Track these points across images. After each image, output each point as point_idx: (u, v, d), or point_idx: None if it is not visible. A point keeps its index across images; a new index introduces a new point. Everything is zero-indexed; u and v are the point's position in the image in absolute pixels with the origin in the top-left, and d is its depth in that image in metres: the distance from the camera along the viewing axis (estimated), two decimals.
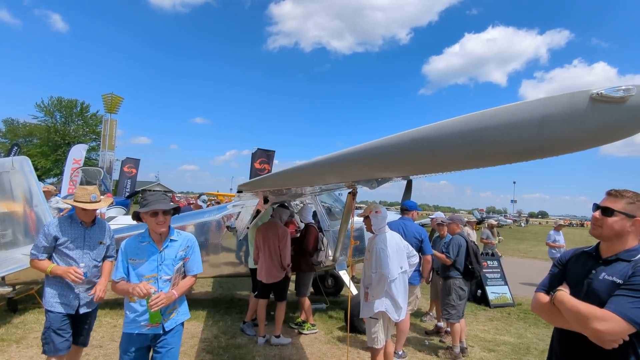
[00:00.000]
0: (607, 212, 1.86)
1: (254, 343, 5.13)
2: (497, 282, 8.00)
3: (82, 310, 3.23)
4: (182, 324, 2.94)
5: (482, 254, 8.39)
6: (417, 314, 6.71)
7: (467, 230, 6.58)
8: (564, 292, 1.91)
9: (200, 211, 7.54)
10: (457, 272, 5.08)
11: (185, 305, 2.98)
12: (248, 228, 5.63)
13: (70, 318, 3.22)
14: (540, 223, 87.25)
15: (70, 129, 45.83)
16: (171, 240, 2.84)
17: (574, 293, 1.89)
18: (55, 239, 3.13)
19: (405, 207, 5.16)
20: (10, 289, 5.95)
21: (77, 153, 17.57)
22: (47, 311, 3.18)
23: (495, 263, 8.36)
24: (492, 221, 11.53)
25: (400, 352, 4.80)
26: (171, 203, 2.83)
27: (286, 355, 4.79)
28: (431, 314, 6.60)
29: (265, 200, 3.36)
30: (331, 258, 6.02)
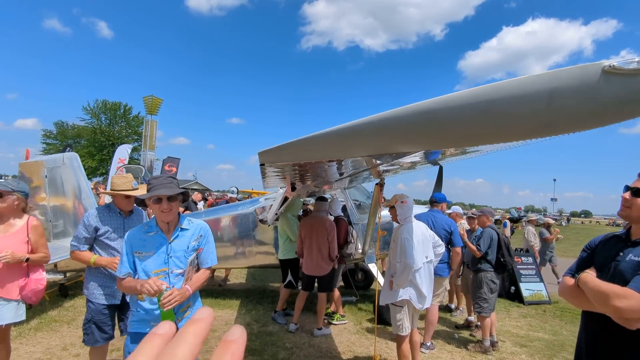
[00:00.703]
0: (637, 193, 1.84)
1: (284, 331, 5.29)
2: (532, 278, 7.73)
3: (129, 298, 3.12)
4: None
5: (516, 249, 8.16)
6: (447, 309, 6.65)
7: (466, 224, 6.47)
8: (588, 274, 1.90)
9: (234, 204, 7.80)
10: (488, 265, 5.00)
11: (199, 302, 2.69)
12: (276, 214, 5.79)
13: (114, 308, 3.23)
14: (582, 222, 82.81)
15: (114, 130, 48.25)
16: (182, 229, 2.51)
17: (600, 276, 1.88)
18: (96, 229, 3.06)
19: (435, 199, 5.14)
20: (62, 275, 6.44)
21: (123, 152, 18.52)
22: (89, 302, 3.18)
23: (530, 259, 8.09)
24: (549, 219, 10.72)
25: (428, 344, 4.80)
26: (178, 188, 2.47)
27: (315, 343, 4.91)
28: (461, 308, 6.51)
29: (293, 188, 3.47)
30: (360, 251, 6.09)
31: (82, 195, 6.11)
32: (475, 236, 5.34)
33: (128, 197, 3.19)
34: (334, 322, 5.68)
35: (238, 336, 0.35)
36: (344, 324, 5.70)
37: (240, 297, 6.86)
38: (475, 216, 5.60)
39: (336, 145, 1.42)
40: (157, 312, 2.35)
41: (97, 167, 44.43)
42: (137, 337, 2.45)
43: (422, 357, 4.60)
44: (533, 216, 11.35)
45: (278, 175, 2.47)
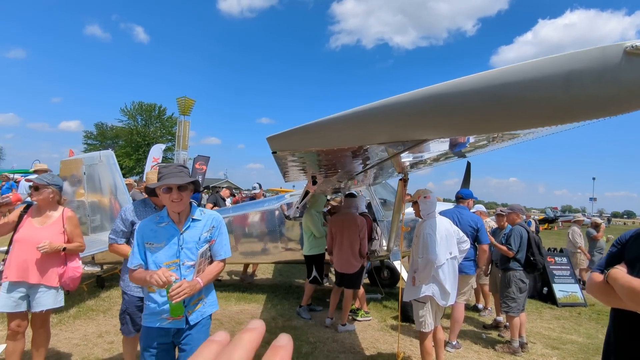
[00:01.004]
0: None
1: (309, 325, 5.35)
2: (566, 279, 7.40)
3: (141, 291, 3.15)
4: (210, 316, 2.53)
5: (549, 249, 7.84)
6: (475, 309, 6.50)
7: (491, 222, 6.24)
8: (617, 270, 1.82)
9: (260, 200, 7.93)
10: (517, 263, 4.84)
11: (213, 295, 2.58)
12: (298, 208, 5.84)
13: None
14: (625, 223, 78.14)
15: (149, 130, 50.11)
16: (193, 220, 2.44)
17: (631, 272, 1.79)
18: (132, 223, 3.05)
19: (461, 196, 5.03)
20: (99, 267, 6.76)
21: (157, 152, 19.32)
22: (124, 293, 3.26)
23: (564, 259, 7.73)
24: (597, 219, 10.13)
25: (454, 342, 4.71)
26: (189, 177, 2.40)
27: (339, 339, 4.92)
28: (489, 308, 6.34)
29: (314, 181, 3.49)
30: (385, 248, 6.05)
31: (117, 191, 6.38)
32: (504, 234, 5.19)
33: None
34: (358, 318, 5.67)
35: (286, 342, 0.37)
36: (368, 320, 5.68)
37: (267, 292, 6.98)
38: (504, 213, 5.43)
39: (346, 130, 1.42)
40: (168, 305, 2.25)
41: (134, 166, 46.23)
42: (150, 331, 2.36)
43: (447, 356, 4.53)
44: (580, 216, 10.70)
45: (296, 166, 2.47)
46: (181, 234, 2.37)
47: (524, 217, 5.22)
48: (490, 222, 6.18)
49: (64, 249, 3.24)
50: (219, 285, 7.23)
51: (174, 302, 2.13)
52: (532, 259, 4.78)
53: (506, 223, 5.43)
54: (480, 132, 1.47)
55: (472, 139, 2.62)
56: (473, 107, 1.27)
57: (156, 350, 2.34)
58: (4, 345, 1.60)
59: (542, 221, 38.21)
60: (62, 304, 3.40)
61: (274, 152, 1.67)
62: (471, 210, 6.26)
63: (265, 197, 9.13)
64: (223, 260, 2.56)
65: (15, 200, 3.40)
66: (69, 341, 4.40)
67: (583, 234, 9.35)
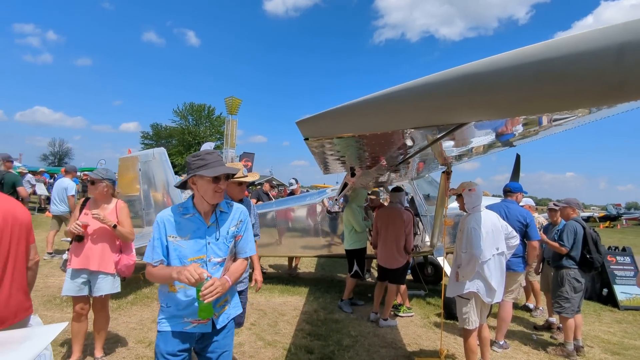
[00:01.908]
0: None
1: (350, 319, 5.35)
2: (630, 280, 6.78)
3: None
4: (234, 320, 2.32)
5: (609, 248, 7.26)
6: (525, 308, 6.18)
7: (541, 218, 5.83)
8: None
9: (303, 195, 8.03)
10: (571, 261, 4.52)
11: (236, 297, 2.37)
12: (336, 199, 5.84)
13: None
14: None
15: (199, 130, 52.38)
16: (221, 212, 2.21)
17: None
18: None
19: (509, 189, 4.79)
20: None
21: (207, 148, 20.25)
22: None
23: (628, 259, 7.08)
24: None
25: (501, 342, 4.51)
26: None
27: (380, 333, 4.89)
28: (541, 308, 5.99)
29: (352, 173, 3.47)
30: (428, 243, 5.90)
31: (169, 187, 6.73)
32: (558, 230, 4.88)
33: (240, 184, 3.16)
34: (400, 314, 5.60)
35: None
36: (411, 316, 5.59)
37: (309, 285, 7.07)
38: (557, 208, 5.08)
39: (378, 113, 1.38)
40: (194, 305, 2.05)
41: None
42: (168, 337, 2.10)
43: (494, 356, 4.35)
44: None
45: (331, 155, 2.44)
46: (208, 227, 2.15)
47: (580, 212, 4.85)
48: (540, 218, 5.82)
49: (115, 226, 3.47)
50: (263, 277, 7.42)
51: (206, 301, 1.90)
52: (588, 256, 4.45)
53: (560, 218, 5.09)
54: (521, 113, 1.38)
55: (520, 129, 2.49)
56: (513, 87, 1.19)
57: (176, 358, 2.09)
58: (66, 323, 1.74)
59: (603, 218, 35.52)
60: (119, 289, 3.67)
61: (305, 139, 1.66)
62: (520, 204, 5.94)
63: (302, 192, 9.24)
64: (247, 259, 2.36)
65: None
66: (127, 325, 4.72)
67: None
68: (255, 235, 3.02)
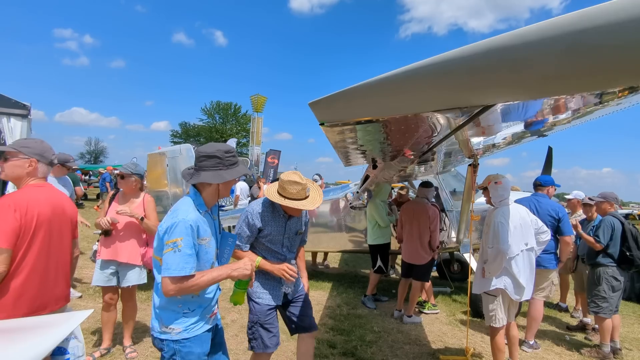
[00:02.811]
0: None
1: (373, 315, 5.30)
2: None
3: (290, 297, 2.90)
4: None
5: None
6: (557, 307, 5.91)
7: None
8: None
9: (325, 190, 7.99)
10: (609, 259, 4.27)
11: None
12: (358, 193, 5.76)
13: (279, 308, 2.93)
14: None
15: (226, 127, 53.23)
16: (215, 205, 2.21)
17: None
18: (259, 230, 2.69)
19: (540, 183, 4.57)
20: None
21: (232, 145, 20.57)
22: (251, 301, 2.78)
23: None
24: None
25: (531, 342, 4.33)
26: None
27: (404, 330, 4.81)
28: (565, 305, 5.70)
29: (374, 165, 3.39)
30: (454, 239, 5.75)
31: None
32: (593, 226, 4.63)
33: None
34: (425, 311, 5.48)
35: None
36: (436, 313, 5.47)
37: (333, 280, 7.04)
38: (592, 202, 4.81)
39: (395, 94, 1.31)
40: (213, 301, 2.10)
41: None
42: (204, 338, 2.04)
43: (524, 356, 4.19)
44: None
45: (350, 143, 2.36)
46: (214, 220, 2.13)
47: (618, 207, 4.56)
48: (581, 215, 5.46)
49: (142, 218, 3.55)
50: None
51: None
52: (628, 254, 4.19)
53: (595, 214, 4.83)
54: (553, 93, 1.28)
55: (551, 119, 2.34)
56: (543, 63, 1.10)
57: (208, 354, 2.10)
58: (91, 310, 1.81)
59: None
60: (145, 280, 3.77)
61: (321, 124, 1.59)
62: (568, 197, 5.62)
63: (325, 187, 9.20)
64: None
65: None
66: None
67: None
68: (302, 243, 3.15)
